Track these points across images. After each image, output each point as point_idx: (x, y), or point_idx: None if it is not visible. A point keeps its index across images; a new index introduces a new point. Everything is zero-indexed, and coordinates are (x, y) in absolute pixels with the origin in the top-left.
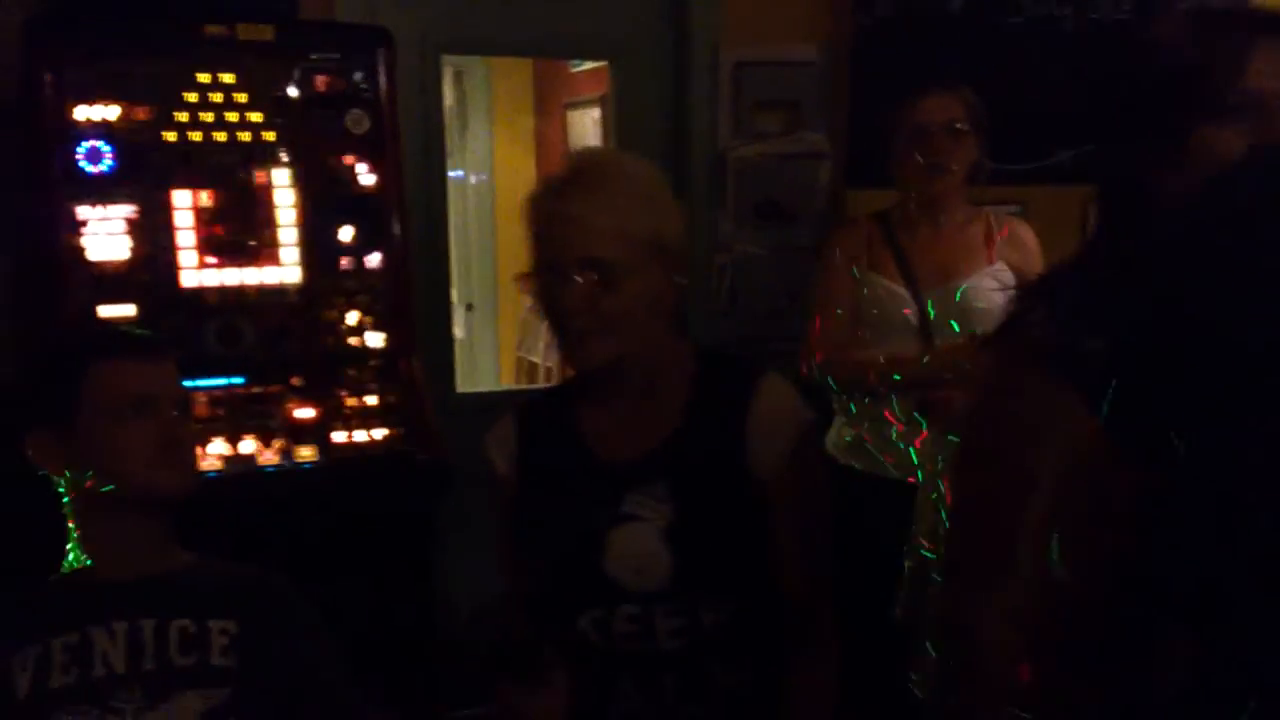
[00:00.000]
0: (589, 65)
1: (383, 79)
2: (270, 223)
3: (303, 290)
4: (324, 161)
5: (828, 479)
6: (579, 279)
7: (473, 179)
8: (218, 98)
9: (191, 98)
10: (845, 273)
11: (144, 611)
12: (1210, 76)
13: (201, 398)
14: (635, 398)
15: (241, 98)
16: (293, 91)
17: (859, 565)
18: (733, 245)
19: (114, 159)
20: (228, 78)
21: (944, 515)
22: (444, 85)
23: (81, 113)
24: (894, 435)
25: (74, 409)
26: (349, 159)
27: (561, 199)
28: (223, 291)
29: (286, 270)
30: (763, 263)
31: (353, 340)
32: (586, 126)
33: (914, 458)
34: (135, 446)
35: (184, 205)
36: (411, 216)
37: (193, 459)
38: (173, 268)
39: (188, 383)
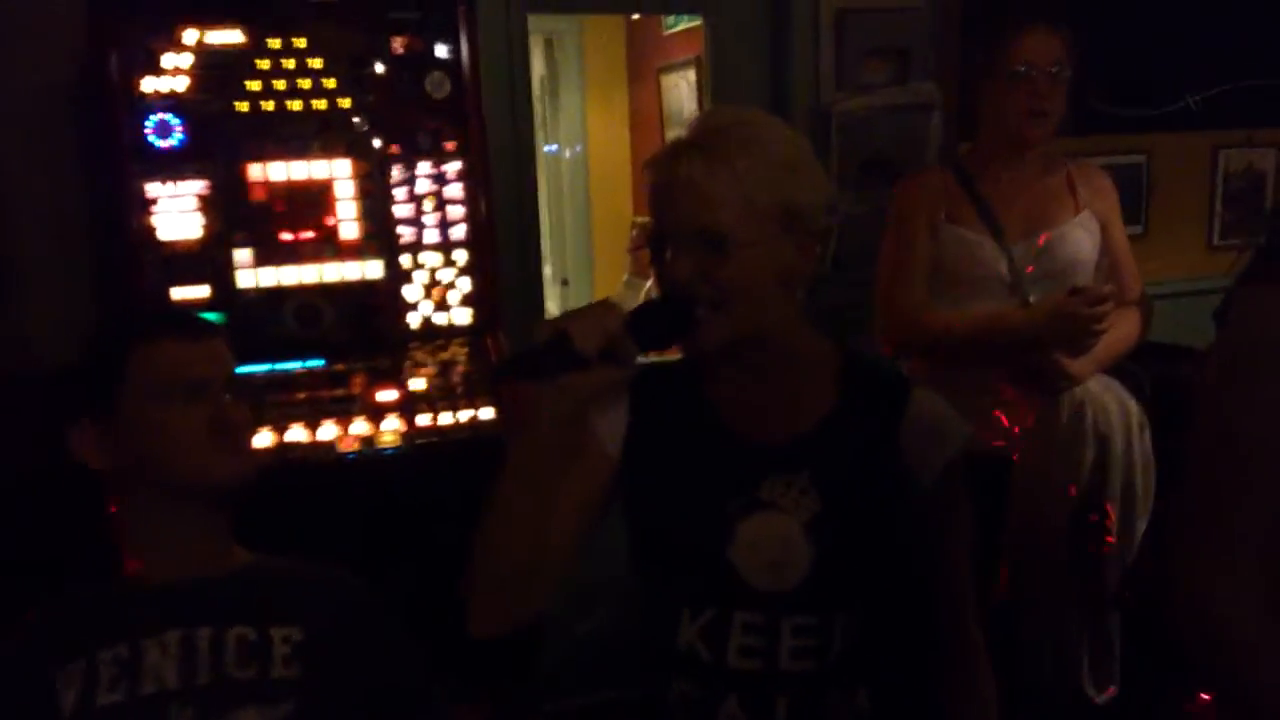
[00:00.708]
0: (683, 25)
1: (464, 38)
2: (349, 194)
3: (384, 266)
4: (404, 128)
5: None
6: (695, 248)
7: (566, 152)
8: (290, 64)
9: (263, 65)
10: (920, 227)
11: (199, 618)
12: None
13: (280, 381)
14: (776, 378)
15: (315, 63)
16: (369, 54)
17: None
18: (837, 206)
19: (184, 132)
20: (300, 42)
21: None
22: (534, 54)
23: (149, 85)
24: (989, 406)
25: (118, 396)
26: (430, 125)
27: (679, 163)
28: (300, 269)
29: (365, 244)
30: (870, 223)
31: (437, 318)
32: (682, 91)
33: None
34: (185, 433)
35: (258, 179)
36: (498, 187)
37: (248, 445)
38: (248, 246)
39: (264, 366)
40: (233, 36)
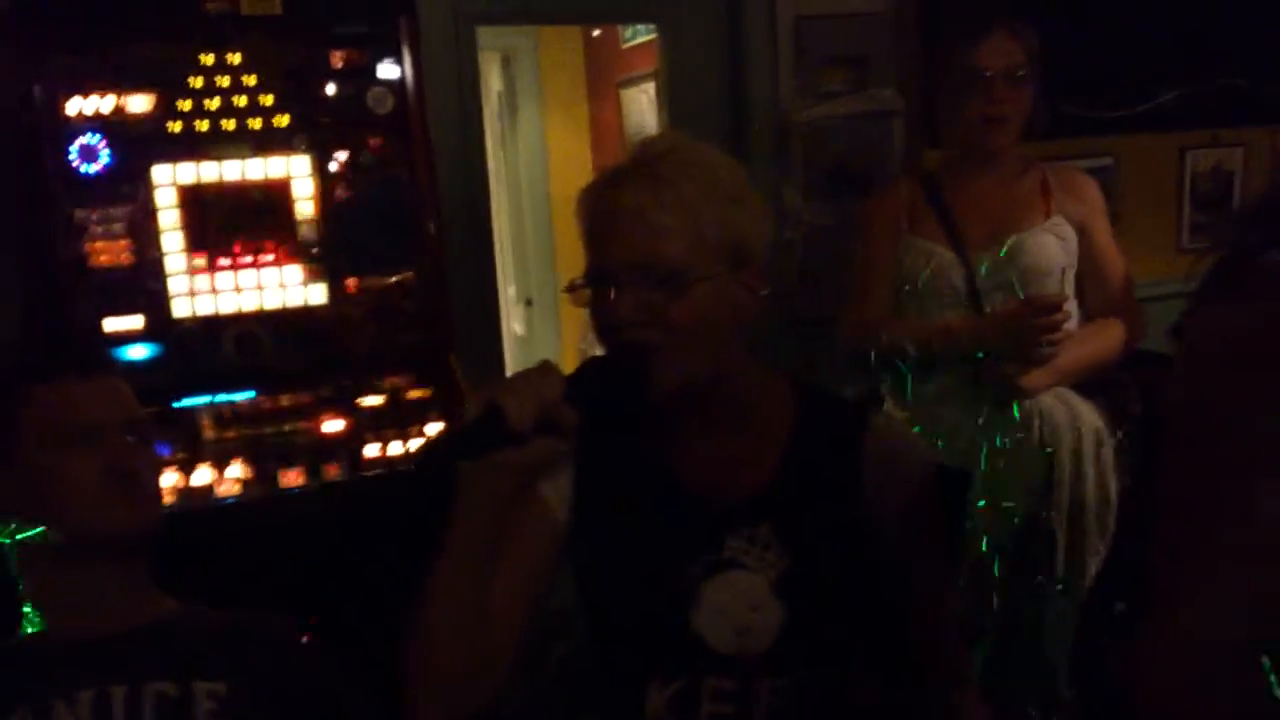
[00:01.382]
0: (641, 39)
1: (407, 52)
2: (289, 216)
3: (327, 290)
4: (345, 146)
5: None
6: (637, 287)
7: (525, 168)
8: (224, 81)
9: (195, 83)
10: (882, 239)
11: (113, 676)
12: None
13: (225, 414)
14: (729, 426)
15: (250, 80)
16: (306, 70)
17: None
18: (801, 218)
19: (113, 156)
20: (234, 58)
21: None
22: (492, 71)
23: (73, 106)
24: (947, 416)
25: (13, 443)
26: (373, 142)
27: (621, 192)
28: (239, 296)
29: (309, 269)
30: (834, 235)
31: (385, 344)
32: (642, 105)
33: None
34: (79, 482)
35: (193, 202)
36: (449, 205)
37: (151, 492)
38: (183, 272)
39: (203, 398)
40: (162, 54)
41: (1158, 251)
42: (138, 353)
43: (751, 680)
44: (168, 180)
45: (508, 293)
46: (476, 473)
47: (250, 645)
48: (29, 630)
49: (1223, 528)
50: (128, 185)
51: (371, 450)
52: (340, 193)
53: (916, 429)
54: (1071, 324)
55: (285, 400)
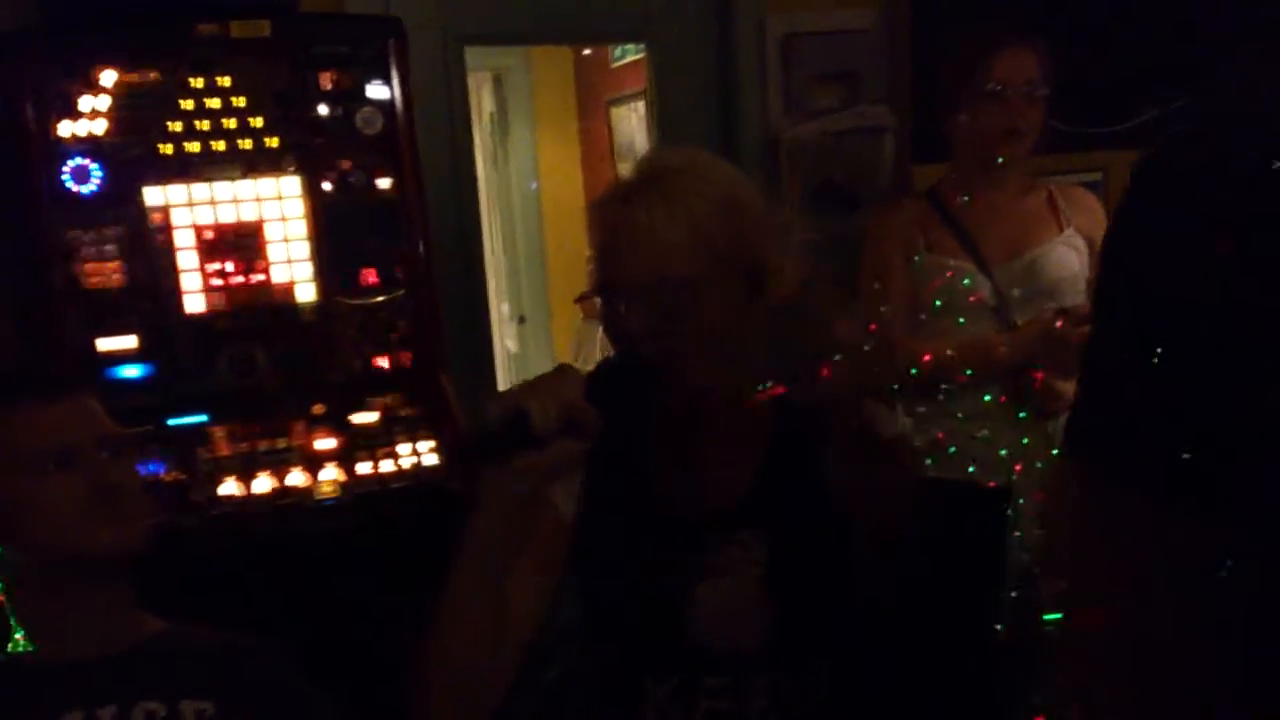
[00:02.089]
0: (630, 58)
1: (395, 73)
2: (280, 237)
3: (318, 309)
4: (335, 167)
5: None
6: (650, 301)
7: (517, 186)
8: (214, 103)
9: (186, 105)
10: (894, 259)
11: (102, 696)
12: None
13: (219, 432)
14: (717, 428)
15: (240, 101)
16: (295, 91)
17: (955, 582)
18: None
19: (104, 177)
20: (223, 81)
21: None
22: (483, 91)
23: (66, 129)
24: (978, 434)
25: None
26: (363, 162)
27: (632, 207)
28: (232, 316)
29: (300, 288)
30: (824, 252)
31: (376, 361)
32: (632, 123)
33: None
34: (61, 504)
35: (184, 224)
36: (439, 223)
37: (138, 507)
38: (176, 293)
39: (197, 416)
40: (152, 77)
41: None
42: (131, 372)
43: (747, 677)
44: (159, 202)
45: (500, 309)
46: (500, 475)
47: (239, 665)
48: (18, 649)
49: None
50: (119, 207)
51: (363, 468)
52: (331, 213)
53: (951, 450)
54: None
55: (277, 419)
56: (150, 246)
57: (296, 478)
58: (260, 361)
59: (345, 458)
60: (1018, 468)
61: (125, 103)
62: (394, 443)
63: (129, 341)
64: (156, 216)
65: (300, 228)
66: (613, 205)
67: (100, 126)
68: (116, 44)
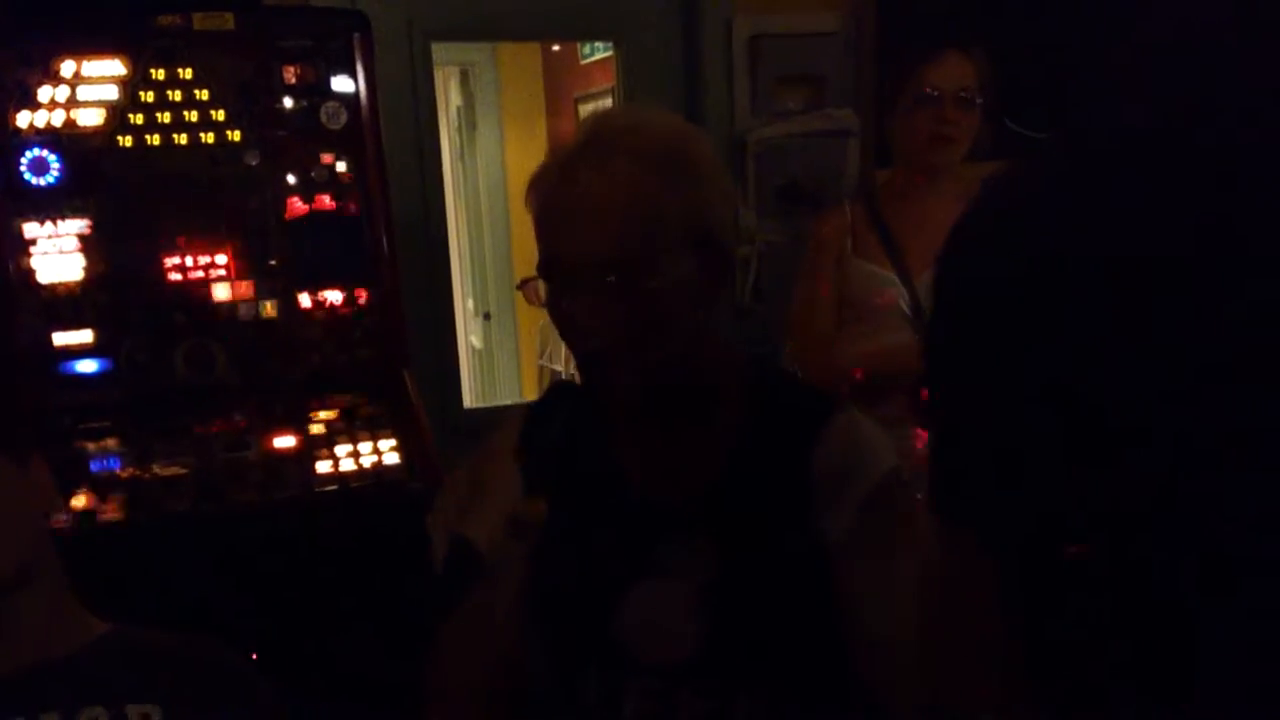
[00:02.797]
0: (599, 55)
1: (360, 67)
2: (240, 232)
3: (279, 305)
4: (298, 161)
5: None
6: (592, 282)
7: (483, 181)
8: (176, 96)
9: (147, 97)
10: (826, 262)
11: (43, 703)
12: None
13: (175, 429)
14: (678, 420)
15: (202, 94)
16: (259, 84)
17: None
18: (755, 236)
19: (61, 169)
20: (185, 73)
21: None
22: (450, 85)
23: (24, 120)
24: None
25: None
26: (326, 157)
27: (572, 175)
28: (191, 311)
29: (260, 284)
30: (789, 253)
31: (338, 359)
32: None
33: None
34: None
35: (143, 216)
36: (403, 219)
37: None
38: (133, 287)
39: (152, 415)
40: (113, 68)
41: None
42: (87, 367)
43: (674, 688)
44: (119, 194)
45: (465, 306)
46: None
47: (186, 668)
48: None
49: None
50: (78, 199)
51: (324, 467)
52: (293, 207)
53: None
54: None
55: (237, 416)
56: (108, 241)
57: (255, 476)
58: (219, 358)
59: (305, 457)
60: None
61: (85, 94)
62: (355, 441)
63: (85, 336)
64: (115, 210)
65: (262, 221)
66: (551, 177)
67: (59, 118)
68: (77, 34)
